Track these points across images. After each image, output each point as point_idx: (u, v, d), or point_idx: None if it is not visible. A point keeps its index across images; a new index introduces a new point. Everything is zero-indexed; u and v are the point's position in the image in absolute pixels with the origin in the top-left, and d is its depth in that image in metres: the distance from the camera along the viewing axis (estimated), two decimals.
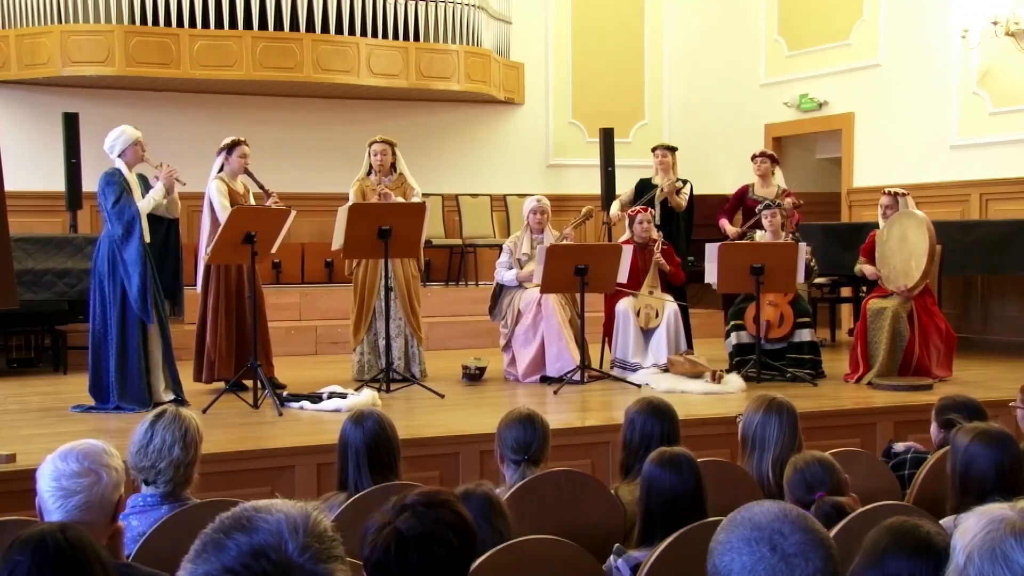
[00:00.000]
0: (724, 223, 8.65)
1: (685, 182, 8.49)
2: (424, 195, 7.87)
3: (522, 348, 7.37)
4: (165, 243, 6.52)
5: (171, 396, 6.27)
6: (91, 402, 6.25)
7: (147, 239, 6.30)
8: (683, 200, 8.36)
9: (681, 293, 7.96)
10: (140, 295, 6.12)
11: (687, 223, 8.58)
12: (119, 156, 6.31)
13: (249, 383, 6.49)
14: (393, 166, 7.60)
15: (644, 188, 8.56)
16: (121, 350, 6.17)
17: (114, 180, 6.22)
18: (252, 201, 7.05)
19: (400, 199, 7.37)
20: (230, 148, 7.04)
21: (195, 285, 7.15)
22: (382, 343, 7.24)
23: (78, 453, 2.66)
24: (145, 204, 6.27)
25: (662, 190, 8.24)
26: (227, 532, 1.35)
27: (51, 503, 2.60)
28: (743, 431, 3.83)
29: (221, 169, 7.04)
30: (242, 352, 6.81)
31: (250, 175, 7.04)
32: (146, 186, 6.42)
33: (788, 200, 8.35)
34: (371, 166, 7.57)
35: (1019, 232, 8.36)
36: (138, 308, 6.13)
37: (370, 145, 7.61)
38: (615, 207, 8.62)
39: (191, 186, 6.74)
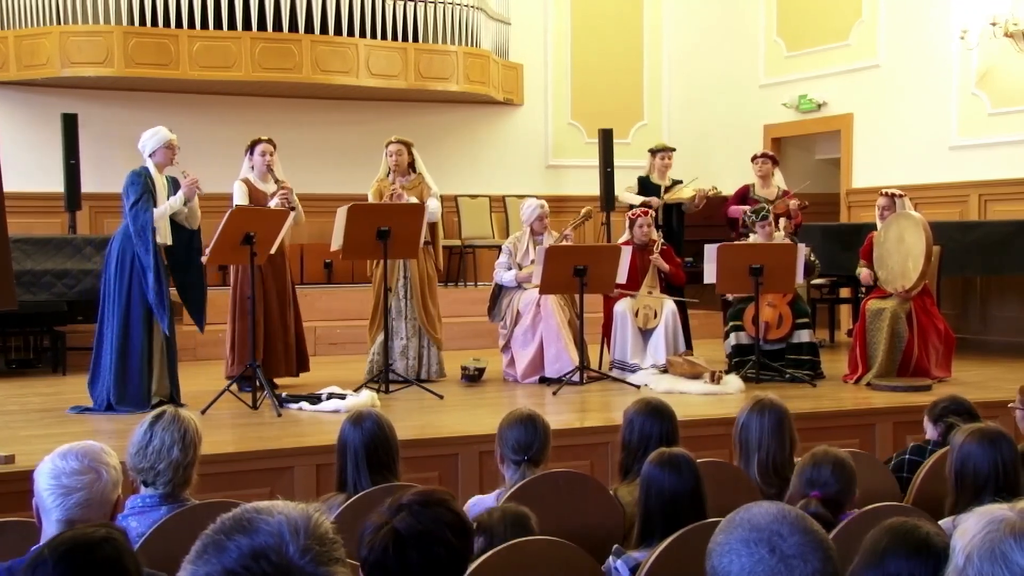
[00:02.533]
0: (736, 208, 8.64)
1: (680, 182, 8.56)
2: None
3: (521, 349, 7.37)
4: (188, 251, 6.47)
5: (166, 400, 6.23)
6: (89, 403, 6.24)
7: (168, 241, 6.29)
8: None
9: (681, 292, 7.97)
10: (156, 298, 6.09)
11: (681, 223, 8.62)
12: (149, 156, 6.29)
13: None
14: (411, 166, 7.58)
15: (647, 186, 8.59)
16: (122, 351, 6.14)
17: (139, 180, 6.17)
18: (297, 204, 7.05)
19: (414, 199, 7.36)
20: (251, 147, 7.07)
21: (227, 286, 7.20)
22: (397, 343, 7.27)
23: (77, 452, 2.67)
24: (160, 212, 6.21)
25: (701, 196, 8.33)
26: (228, 533, 1.35)
27: (50, 501, 2.60)
28: (733, 433, 3.88)
29: (253, 169, 7.06)
30: (270, 349, 6.83)
31: (271, 172, 7.04)
32: (177, 189, 6.38)
33: (793, 202, 8.36)
34: (389, 167, 7.56)
35: (1018, 233, 8.36)
36: (156, 312, 6.10)
37: (386, 146, 7.59)
38: (631, 196, 8.61)
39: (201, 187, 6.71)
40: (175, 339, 6.42)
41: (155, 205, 6.20)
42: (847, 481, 3.09)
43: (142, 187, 6.16)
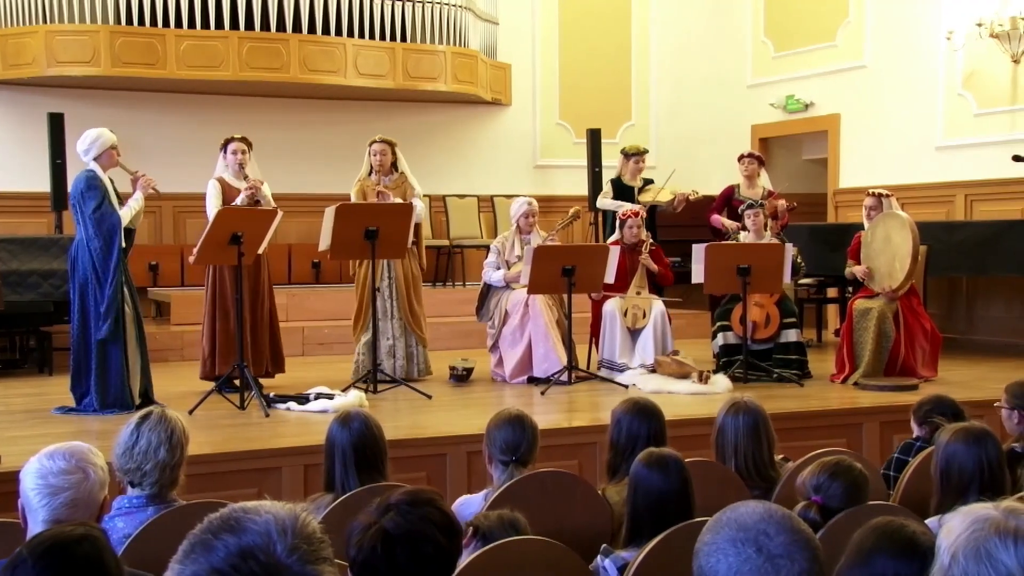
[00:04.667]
0: (718, 218, 8.67)
1: (652, 181, 8.58)
2: None
3: (509, 349, 7.38)
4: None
5: (142, 400, 6.19)
6: (73, 403, 6.21)
7: (123, 244, 6.24)
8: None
9: (660, 292, 7.97)
10: (107, 308, 6.03)
11: (652, 223, 8.60)
12: (94, 159, 6.21)
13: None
14: (394, 165, 7.58)
15: (622, 189, 8.58)
16: (101, 355, 6.10)
17: (95, 184, 6.09)
18: (270, 199, 7.04)
19: (398, 199, 7.36)
20: (224, 145, 7.06)
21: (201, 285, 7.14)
22: (383, 343, 7.26)
23: (65, 452, 2.66)
24: (127, 212, 6.17)
25: (681, 198, 8.31)
26: (215, 533, 1.35)
27: (36, 501, 2.59)
28: (711, 437, 3.91)
29: (228, 168, 7.05)
30: (253, 350, 6.83)
31: (243, 171, 7.02)
32: (115, 189, 6.27)
33: (781, 202, 8.39)
34: (372, 166, 7.56)
35: (1004, 233, 8.40)
36: (104, 321, 6.03)
37: (370, 145, 7.58)
38: (609, 202, 8.58)
39: (178, 187, 6.70)
40: (145, 336, 6.36)
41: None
42: (854, 502, 3.04)
43: (101, 191, 6.09)
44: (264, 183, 7.12)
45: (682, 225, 9.25)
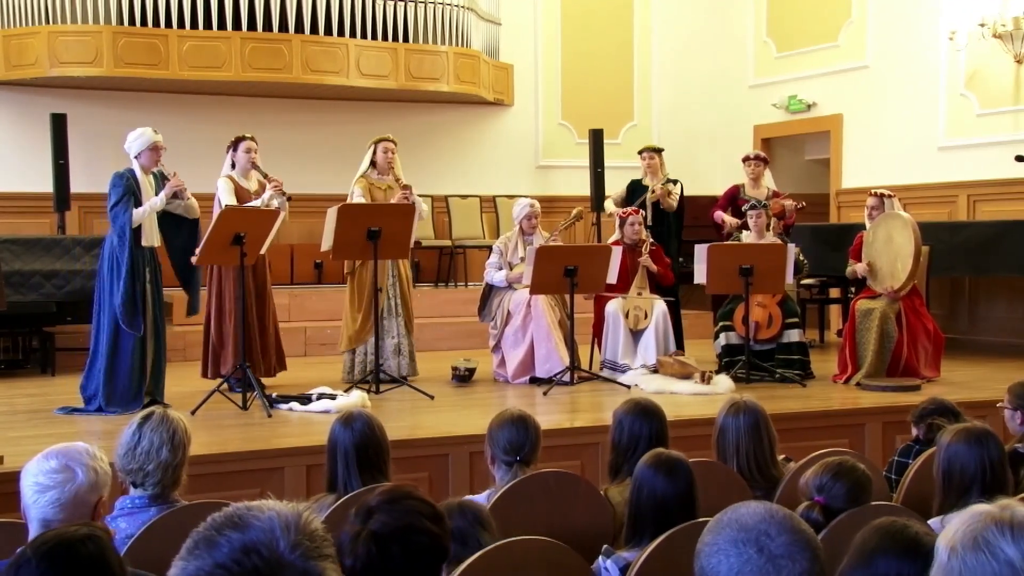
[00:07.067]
0: (721, 214, 8.64)
1: (675, 182, 8.53)
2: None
3: (511, 349, 7.38)
4: (191, 240, 6.52)
5: (149, 402, 6.21)
6: (77, 403, 6.22)
7: (156, 243, 6.32)
8: (674, 201, 8.38)
9: (672, 292, 7.98)
10: (124, 303, 6.07)
11: (678, 223, 8.59)
12: (135, 157, 6.28)
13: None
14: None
15: (636, 189, 8.59)
16: (112, 352, 6.12)
17: (120, 182, 6.18)
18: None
19: (418, 197, 7.40)
20: (235, 144, 7.07)
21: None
22: (388, 342, 7.27)
23: (59, 452, 2.69)
24: (140, 213, 6.19)
25: (654, 191, 8.26)
26: (219, 529, 1.36)
27: (29, 499, 2.63)
28: (712, 438, 3.90)
29: (234, 167, 7.07)
30: (249, 349, 6.84)
31: (257, 168, 7.05)
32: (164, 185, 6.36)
33: (788, 202, 8.37)
34: (372, 163, 7.55)
35: (1007, 233, 8.39)
36: (121, 317, 6.08)
37: (378, 142, 7.55)
38: (609, 204, 8.62)
39: (190, 187, 6.70)
40: (165, 339, 6.40)
41: (139, 206, 6.19)
42: (857, 503, 3.03)
43: (124, 188, 6.15)
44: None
45: (686, 225, 9.24)
